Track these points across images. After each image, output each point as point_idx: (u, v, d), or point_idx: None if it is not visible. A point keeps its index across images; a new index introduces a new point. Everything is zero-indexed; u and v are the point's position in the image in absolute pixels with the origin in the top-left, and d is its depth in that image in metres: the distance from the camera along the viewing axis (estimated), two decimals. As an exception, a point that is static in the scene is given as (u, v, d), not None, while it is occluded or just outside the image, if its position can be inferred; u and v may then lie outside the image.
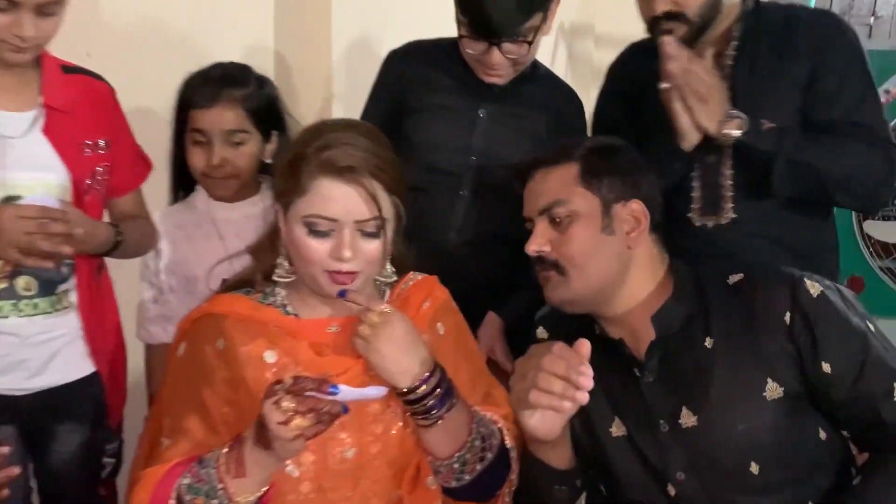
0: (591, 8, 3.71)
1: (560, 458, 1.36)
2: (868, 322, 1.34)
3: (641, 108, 1.72)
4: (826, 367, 1.30)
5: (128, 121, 1.77)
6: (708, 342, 1.35)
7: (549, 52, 3.13)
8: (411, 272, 1.43)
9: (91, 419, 1.73)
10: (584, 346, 1.24)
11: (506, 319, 1.90)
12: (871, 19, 3.87)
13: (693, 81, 1.53)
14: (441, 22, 1.90)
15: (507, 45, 1.76)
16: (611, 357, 1.38)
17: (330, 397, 1.10)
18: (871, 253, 3.03)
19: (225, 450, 1.19)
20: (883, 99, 2.81)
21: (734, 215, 1.66)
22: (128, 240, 1.68)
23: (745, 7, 1.69)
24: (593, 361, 1.23)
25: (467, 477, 1.31)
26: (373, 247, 1.27)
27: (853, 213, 2.96)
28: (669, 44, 1.54)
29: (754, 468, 1.31)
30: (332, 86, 2.42)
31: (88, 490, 1.76)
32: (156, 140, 1.82)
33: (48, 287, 1.61)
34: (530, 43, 1.78)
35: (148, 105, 1.89)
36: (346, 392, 1.11)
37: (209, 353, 1.29)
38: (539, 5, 1.76)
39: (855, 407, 1.31)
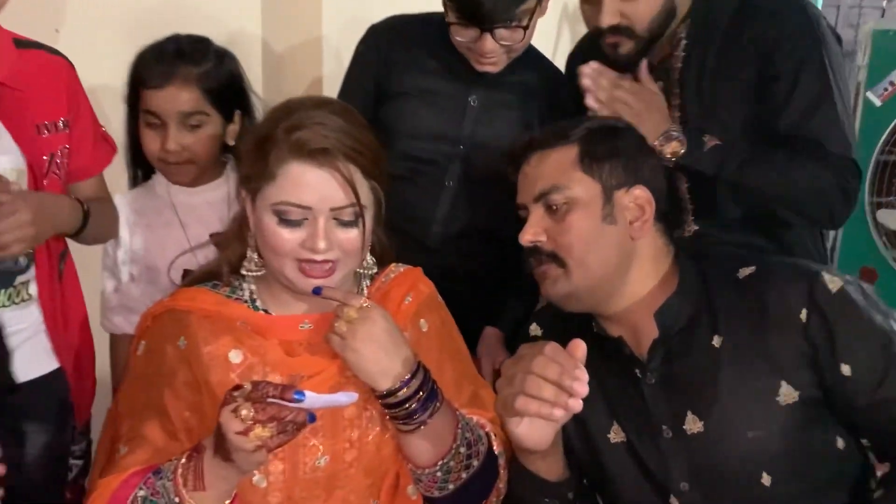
0: (596, -10, 3.63)
1: (550, 469, 1.29)
2: (892, 321, 1.27)
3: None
4: (845, 370, 1.23)
5: (99, 102, 1.67)
6: (716, 341, 1.28)
7: (553, 37, 3.05)
8: (393, 264, 1.36)
9: (56, 418, 1.65)
10: (580, 347, 1.16)
11: (504, 331, 1.84)
12: (885, 2, 3.81)
13: (620, 109, 1.47)
14: (433, 9, 1.79)
15: (500, 31, 1.65)
16: (610, 357, 1.32)
17: (294, 405, 1.02)
18: (884, 243, 2.98)
19: (183, 460, 1.12)
20: (886, 94, 2.75)
21: (696, 227, 1.62)
22: (94, 219, 1.59)
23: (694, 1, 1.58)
24: (591, 361, 1.15)
25: (451, 486, 1.25)
26: (350, 236, 1.20)
27: (865, 201, 2.90)
28: (586, 76, 1.49)
29: (766, 479, 1.24)
30: (321, 74, 2.33)
31: (54, 494, 1.69)
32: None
33: (6, 279, 1.53)
34: (525, 28, 1.67)
35: (120, 86, 1.79)
36: (312, 399, 1.03)
37: (170, 354, 1.24)
38: None
39: (877, 413, 1.23)
